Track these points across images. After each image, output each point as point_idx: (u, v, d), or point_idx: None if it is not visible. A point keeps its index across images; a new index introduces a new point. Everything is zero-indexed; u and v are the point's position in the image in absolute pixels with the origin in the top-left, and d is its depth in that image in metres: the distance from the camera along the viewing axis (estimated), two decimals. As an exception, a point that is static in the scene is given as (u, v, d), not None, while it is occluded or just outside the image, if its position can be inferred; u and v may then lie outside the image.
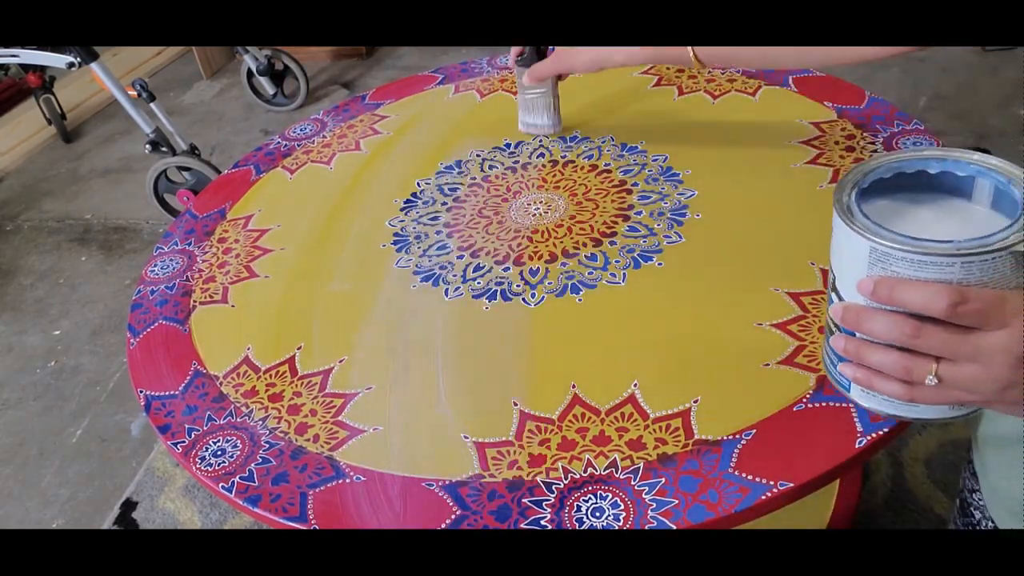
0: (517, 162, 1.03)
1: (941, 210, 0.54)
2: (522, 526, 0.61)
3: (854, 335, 0.52)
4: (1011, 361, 0.47)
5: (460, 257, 0.89)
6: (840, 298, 0.52)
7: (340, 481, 0.67)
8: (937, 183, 0.54)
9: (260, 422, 0.73)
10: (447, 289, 0.85)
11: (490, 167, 1.03)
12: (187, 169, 2.21)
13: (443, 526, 0.62)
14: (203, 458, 0.71)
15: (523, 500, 0.62)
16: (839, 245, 0.52)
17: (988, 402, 0.50)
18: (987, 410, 0.54)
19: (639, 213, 0.90)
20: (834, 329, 0.53)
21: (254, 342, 0.83)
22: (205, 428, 0.74)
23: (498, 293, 0.83)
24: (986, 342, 0.48)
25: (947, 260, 0.47)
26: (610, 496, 0.62)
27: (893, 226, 0.49)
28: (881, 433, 0.62)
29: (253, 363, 0.80)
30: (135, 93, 2.16)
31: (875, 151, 0.93)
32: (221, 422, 0.74)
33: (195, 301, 0.90)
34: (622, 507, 0.60)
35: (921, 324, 0.48)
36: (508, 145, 1.07)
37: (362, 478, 0.67)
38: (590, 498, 0.62)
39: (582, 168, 1.00)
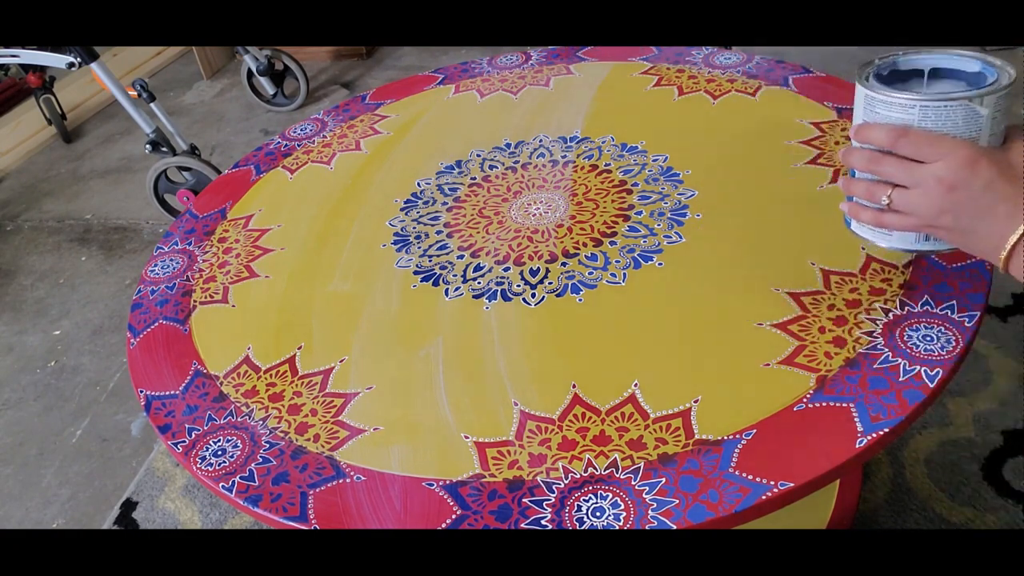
0: (517, 162, 1.03)
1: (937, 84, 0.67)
2: (522, 526, 0.61)
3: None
4: (942, 188, 0.58)
5: (460, 257, 0.89)
6: None
7: (340, 481, 0.67)
8: (943, 73, 0.67)
9: (260, 422, 0.73)
10: (447, 289, 0.85)
11: (490, 167, 1.03)
12: (187, 169, 2.21)
13: (443, 526, 0.62)
14: (203, 458, 0.71)
15: (523, 500, 0.62)
16: (855, 105, 0.65)
17: (931, 227, 0.61)
18: None
19: (639, 213, 0.90)
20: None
21: (254, 342, 0.83)
22: (205, 428, 0.74)
23: (498, 293, 0.83)
24: (923, 171, 0.59)
25: (908, 103, 0.60)
26: (610, 496, 0.62)
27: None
28: (881, 433, 0.62)
29: (253, 363, 0.80)
30: (135, 93, 2.16)
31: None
32: (221, 422, 0.74)
33: (195, 301, 0.90)
34: (622, 507, 0.60)
35: (881, 155, 0.61)
36: (508, 145, 1.07)
37: (362, 478, 0.67)
38: (590, 498, 0.62)
39: (582, 168, 1.00)
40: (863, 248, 0.79)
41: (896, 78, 0.67)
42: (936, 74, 0.67)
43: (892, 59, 0.67)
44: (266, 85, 2.77)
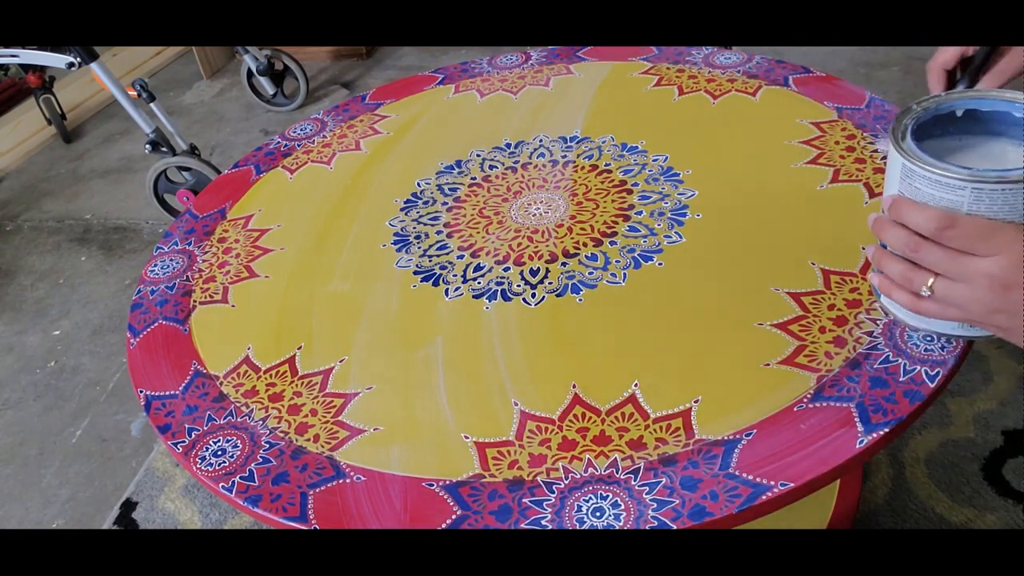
0: (517, 162, 1.03)
1: (988, 148, 0.58)
2: (522, 526, 0.61)
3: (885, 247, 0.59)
4: (996, 286, 0.51)
5: (460, 257, 0.89)
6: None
7: (340, 481, 0.67)
8: (991, 124, 0.57)
9: (260, 422, 0.73)
10: (447, 289, 0.85)
11: (490, 167, 1.03)
12: (187, 169, 2.21)
13: (443, 526, 0.62)
14: (203, 458, 0.71)
15: (523, 500, 0.62)
16: (888, 166, 0.57)
17: (980, 323, 0.56)
18: None
19: (639, 213, 0.90)
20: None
21: (254, 342, 0.83)
22: (205, 428, 0.74)
23: (498, 293, 0.83)
24: (974, 266, 0.52)
25: (959, 183, 0.51)
26: (610, 496, 0.62)
27: (934, 155, 0.53)
28: (881, 433, 0.62)
29: (253, 363, 0.80)
30: (135, 93, 2.16)
31: (875, 151, 0.93)
32: (221, 422, 0.74)
33: (195, 301, 0.90)
34: (622, 507, 0.60)
35: (922, 241, 0.54)
36: (508, 145, 1.07)
37: (362, 478, 0.67)
38: (590, 498, 0.62)
39: (582, 168, 1.00)
40: (863, 248, 0.79)
41: (930, 126, 0.58)
42: (974, 116, 0.58)
43: (932, 105, 0.57)
44: (266, 85, 2.76)
